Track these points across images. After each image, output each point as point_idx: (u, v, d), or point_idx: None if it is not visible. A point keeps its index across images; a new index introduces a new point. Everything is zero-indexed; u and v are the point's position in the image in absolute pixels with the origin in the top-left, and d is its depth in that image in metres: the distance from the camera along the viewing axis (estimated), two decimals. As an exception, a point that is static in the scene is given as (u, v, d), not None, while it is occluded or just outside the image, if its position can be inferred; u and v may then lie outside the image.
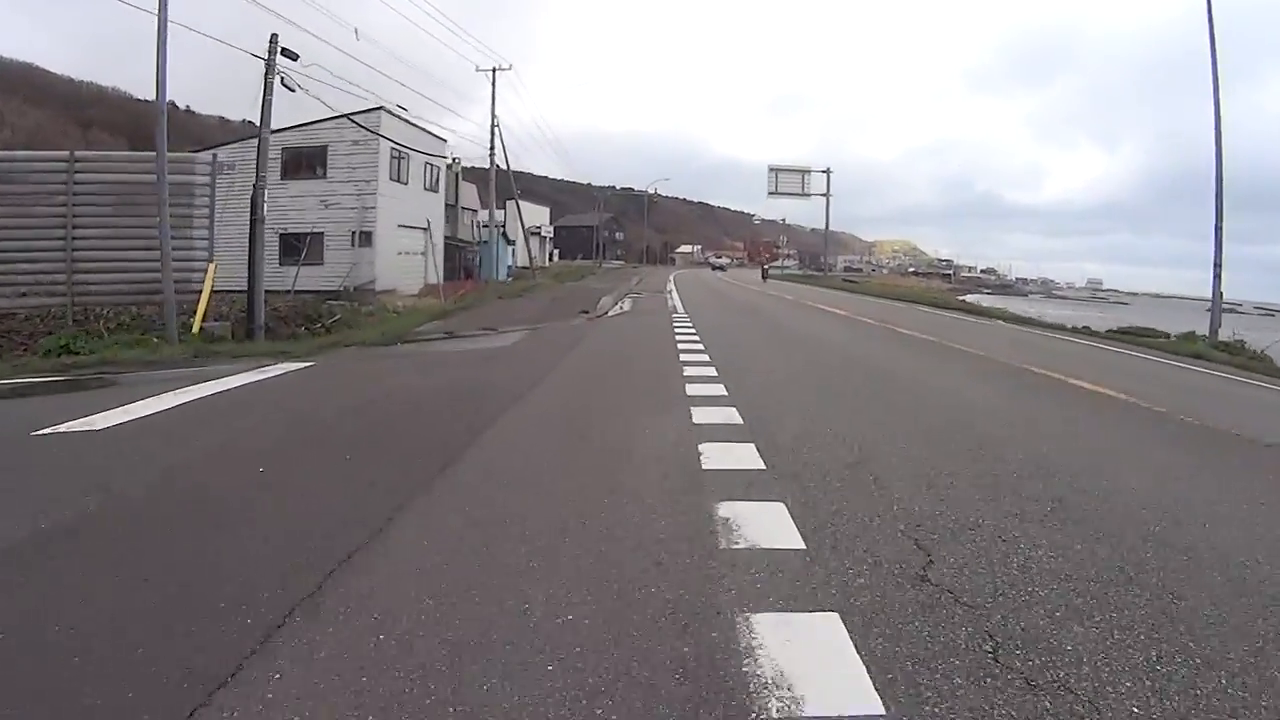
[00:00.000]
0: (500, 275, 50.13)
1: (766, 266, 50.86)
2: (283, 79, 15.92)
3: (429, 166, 29.59)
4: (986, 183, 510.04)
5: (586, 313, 14.45)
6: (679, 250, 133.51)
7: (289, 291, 24.79)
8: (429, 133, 29.02)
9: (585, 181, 68.39)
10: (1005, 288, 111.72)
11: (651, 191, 63.69)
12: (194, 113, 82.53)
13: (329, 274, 25.83)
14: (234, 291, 26.29)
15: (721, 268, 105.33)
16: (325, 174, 26.21)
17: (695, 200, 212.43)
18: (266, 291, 25.78)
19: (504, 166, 33.90)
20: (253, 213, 16.29)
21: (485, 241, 51.85)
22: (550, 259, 68.26)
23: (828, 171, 44.96)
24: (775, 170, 45.75)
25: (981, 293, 72.57)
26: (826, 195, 44.80)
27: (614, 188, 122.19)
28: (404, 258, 27.33)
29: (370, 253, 25.35)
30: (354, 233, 25.65)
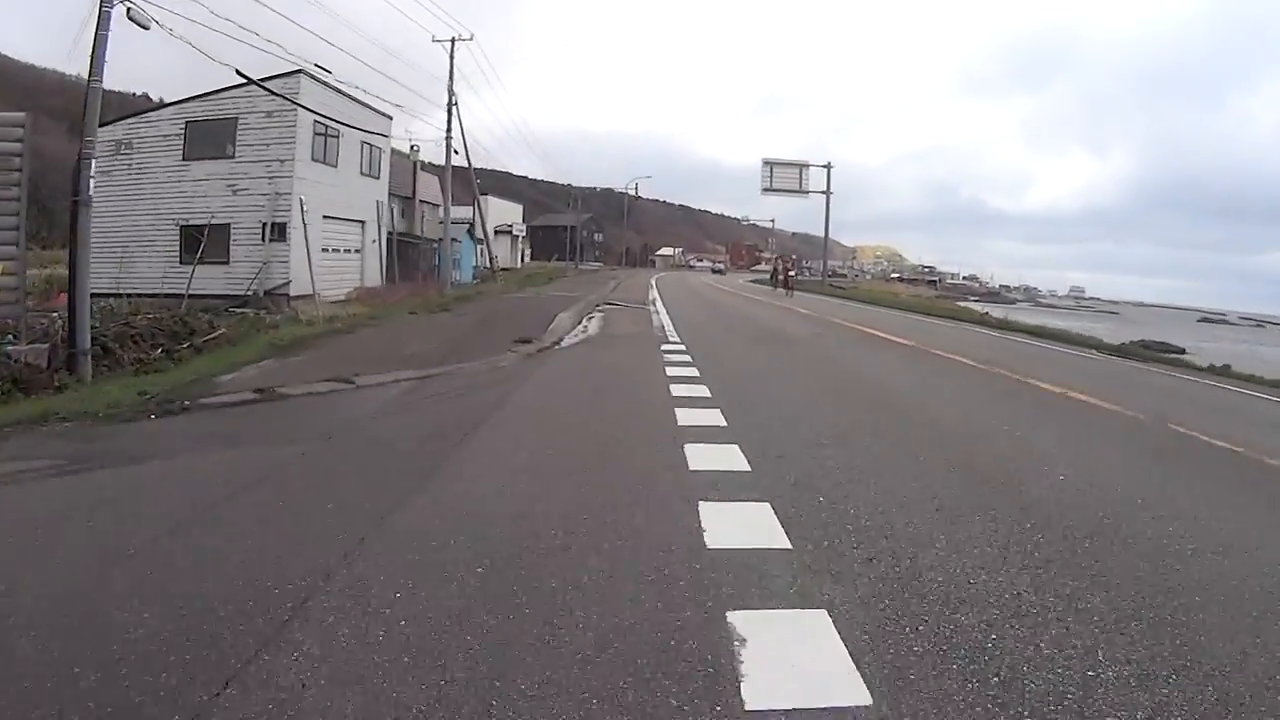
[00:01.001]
0: (465, 276, 45.54)
1: (791, 273, 32.63)
2: (129, 11, 11.38)
3: (368, 148, 24.87)
4: (971, 188, 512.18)
5: (528, 342, 9.46)
6: (659, 253, 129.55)
7: (183, 297, 20.06)
8: (368, 106, 24.30)
9: (565, 181, 64.34)
10: (992, 295, 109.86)
11: (631, 190, 59.26)
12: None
13: (236, 275, 21.07)
14: (111, 296, 21.35)
15: (720, 271, 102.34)
16: (234, 152, 21.44)
17: (677, 203, 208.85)
18: (164, 295, 21.02)
19: (463, 153, 29.29)
20: (74, 192, 11.56)
21: (454, 239, 47.22)
22: (522, 259, 63.52)
23: (828, 167, 40.79)
24: (770, 164, 41.45)
25: (969, 300, 70.60)
26: (827, 192, 40.62)
27: (593, 188, 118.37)
28: (333, 256, 22.64)
29: (284, 249, 20.62)
30: (265, 224, 20.91)
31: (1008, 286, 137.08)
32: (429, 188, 39.03)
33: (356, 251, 24.59)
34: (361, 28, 24.37)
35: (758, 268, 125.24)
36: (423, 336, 9.64)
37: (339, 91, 22.58)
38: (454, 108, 28.69)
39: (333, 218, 22.59)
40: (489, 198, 60.43)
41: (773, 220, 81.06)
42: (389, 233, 29.40)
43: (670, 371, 7.73)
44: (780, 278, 34.17)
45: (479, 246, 54.44)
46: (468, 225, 49.33)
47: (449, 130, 28.49)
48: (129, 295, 22.59)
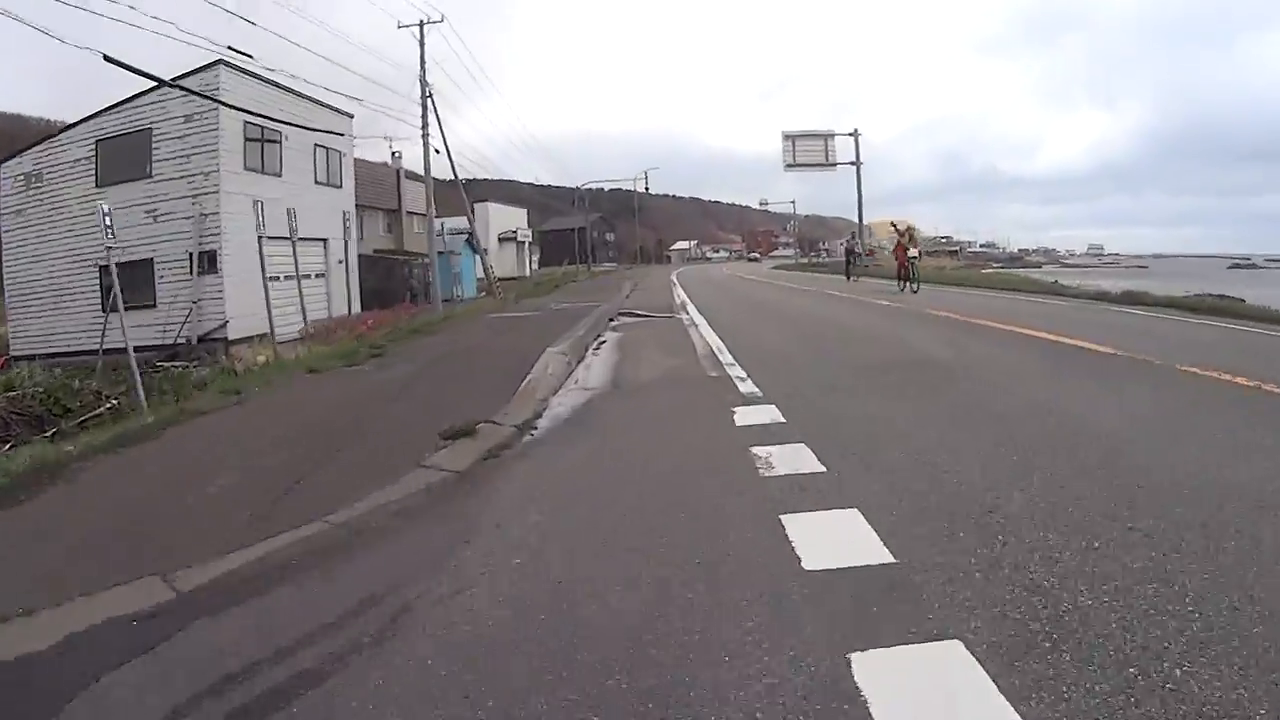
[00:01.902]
0: (468, 290, 41.54)
1: (913, 253, 19.03)
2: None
3: (324, 153, 20.83)
4: (984, 155, 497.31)
5: (471, 433, 4.66)
6: (674, 247, 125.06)
7: (95, 353, 16.16)
8: (319, 103, 20.25)
9: (572, 184, 60.37)
10: (1014, 260, 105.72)
11: (640, 185, 54.67)
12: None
13: (163, 320, 17.11)
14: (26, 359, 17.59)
15: (756, 258, 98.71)
16: (151, 171, 17.48)
17: (687, 196, 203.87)
18: (73, 355, 17.20)
19: (444, 153, 25.13)
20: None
21: (449, 252, 43.27)
22: (530, 267, 59.39)
23: (855, 134, 35.86)
24: (791, 138, 36.68)
25: (993, 267, 67.27)
26: (856, 163, 35.69)
27: (602, 189, 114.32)
28: (284, 286, 18.65)
29: (216, 282, 16.62)
30: (192, 255, 16.90)
31: (1026, 250, 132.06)
32: (418, 198, 35.03)
33: (319, 276, 20.54)
34: (336, 24, 20.28)
35: (775, 254, 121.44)
36: (278, 430, 5.34)
37: (276, 85, 18.54)
38: (429, 100, 24.56)
39: (279, 238, 18.54)
40: (489, 204, 56.38)
41: (794, 202, 75.81)
42: (375, 250, 25.50)
43: (778, 492, 3.33)
44: (901, 262, 18.80)
45: (480, 256, 50.51)
46: (466, 235, 45.41)
47: (424, 126, 24.38)
48: (50, 356, 18.97)
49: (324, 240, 20.49)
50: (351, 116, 22.05)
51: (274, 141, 18.40)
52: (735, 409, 5.10)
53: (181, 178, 17.03)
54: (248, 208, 17.27)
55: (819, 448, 3.97)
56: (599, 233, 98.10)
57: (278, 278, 18.67)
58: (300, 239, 19.40)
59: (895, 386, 5.72)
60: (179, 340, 16.98)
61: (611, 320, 12.11)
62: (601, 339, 9.79)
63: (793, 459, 3.84)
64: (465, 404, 5.45)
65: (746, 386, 5.88)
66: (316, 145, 20.16)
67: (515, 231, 55.66)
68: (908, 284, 17.75)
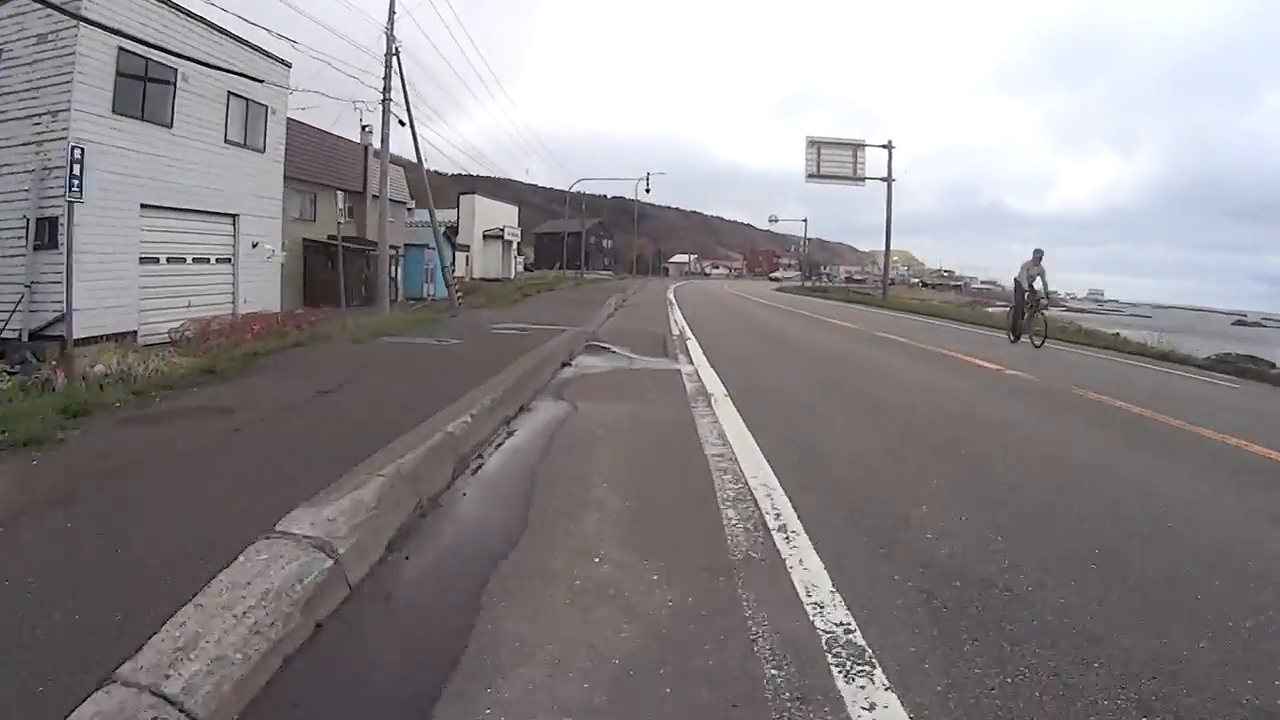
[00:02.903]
0: (440, 290, 37.17)
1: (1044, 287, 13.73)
2: None
3: (244, 105, 16.51)
4: (993, 190, 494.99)
5: None
6: (673, 260, 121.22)
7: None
8: (240, 41, 15.98)
9: (572, 187, 56.04)
10: None
11: (643, 189, 50.40)
12: None
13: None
14: None
15: (788, 279, 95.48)
16: (-8, 105, 13.13)
17: (690, 209, 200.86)
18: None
19: (409, 125, 20.84)
20: None
21: (422, 245, 39.08)
22: (515, 268, 55.00)
23: (889, 146, 31.33)
24: (817, 144, 32.11)
25: (996, 305, 64.94)
26: (889, 179, 31.20)
27: (604, 195, 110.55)
28: (167, 270, 14.29)
29: (57, 261, 12.27)
30: (29, 221, 12.53)
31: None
32: (394, 182, 30.67)
33: (222, 261, 16.16)
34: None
35: (776, 275, 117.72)
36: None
37: (178, 8, 14.25)
38: (396, 58, 20.35)
39: (162, 208, 14.16)
40: (476, 197, 52.02)
41: (805, 220, 71.87)
42: (330, 237, 21.30)
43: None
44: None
45: (464, 254, 46.00)
46: (445, 228, 40.99)
47: (386, 90, 20.13)
48: None
49: (233, 216, 16.14)
50: (289, 65, 17.72)
51: (164, 81, 14.07)
52: None
53: (27, 117, 12.70)
54: (115, 161, 13.00)
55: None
56: (596, 239, 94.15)
57: (157, 260, 14.37)
58: (192, 211, 15.14)
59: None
60: (11, 334, 12.61)
61: (565, 364, 7.69)
62: (511, 427, 4.87)
63: None
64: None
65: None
66: (232, 94, 15.83)
67: (502, 229, 51.25)
68: (1029, 335, 12.66)
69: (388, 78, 20.29)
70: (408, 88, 20.44)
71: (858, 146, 32.40)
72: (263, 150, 16.92)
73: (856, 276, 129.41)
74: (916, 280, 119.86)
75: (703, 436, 4.77)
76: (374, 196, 31.57)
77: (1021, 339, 13.30)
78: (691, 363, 8.45)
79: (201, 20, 14.68)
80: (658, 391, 6.49)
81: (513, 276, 50.90)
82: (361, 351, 7.46)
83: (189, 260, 15.13)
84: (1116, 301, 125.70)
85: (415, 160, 21.84)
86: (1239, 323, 71.60)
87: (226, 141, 15.83)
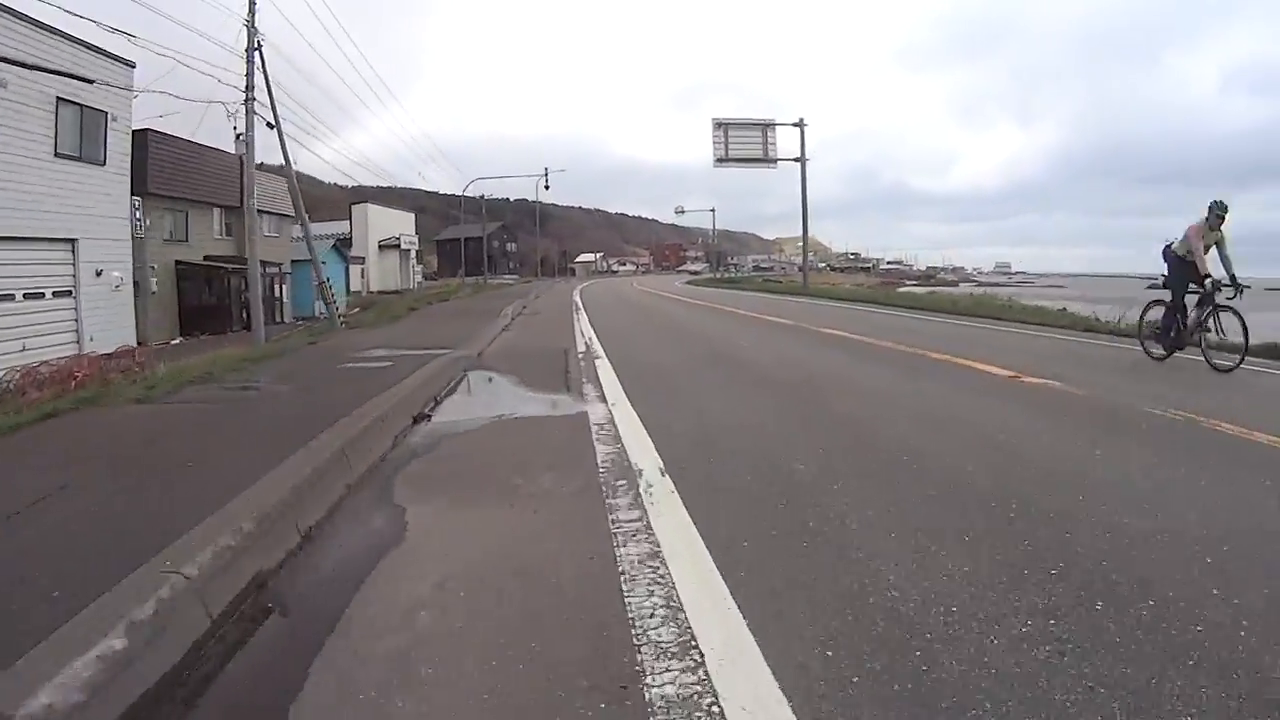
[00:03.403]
0: (340, 306, 34.74)
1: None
2: None
3: (74, 111, 14.32)
4: (895, 171, 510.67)
5: None
6: (579, 260, 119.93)
7: None
8: (66, 37, 13.79)
9: (473, 192, 54.28)
10: (927, 277, 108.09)
11: (542, 187, 49.01)
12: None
13: None
14: None
15: (697, 272, 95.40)
16: None
17: (593, 208, 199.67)
18: None
19: (274, 124, 18.88)
20: None
21: (308, 261, 36.06)
22: (414, 278, 52.46)
23: (801, 124, 30.72)
24: (724, 125, 31.13)
25: (907, 285, 67.99)
26: (802, 159, 30.55)
27: (507, 199, 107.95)
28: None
29: None
30: None
31: (936, 267, 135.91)
32: (276, 194, 28.20)
33: (60, 295, 13.96)
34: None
35: (683, 268, 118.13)
36: None
37: (-22, 2, 12.07)
38: (258, 53, 18.35)
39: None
40: (369, 205, 49.35)
41: (714, 210, 72.29)
42: (206, 258, 19.13)
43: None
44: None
45: (355, 267, 43.21)
46: (334, 239, 38.43)
47: (249, 86, 18.14)
48: None
49: (71, 242, 13.96)
50: (132, 65, 15.55)
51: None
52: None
53: None
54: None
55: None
56: (499, 243, 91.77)
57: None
58: (19, 239, 12.98)
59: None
60: None
61: (422, 417, 5.52)
62: (245, 609, 2.36)
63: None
64: None
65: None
66: (62, 100, 13.66)
67: (399, 238, 48.78)
68: (1202, 349, 7.60)
69: (250, 75, 18.31)
70: (272, 87, 18.50)
71: (767, 126, 31.82)
72: (102, 163, 14.77)
73: (763, 265, 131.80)
74: (824, 265, 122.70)
75: (640, 623, 2.24)
76: (261, 211, 29.01)
77: (1175, 352, 8.04)
78: (604, 398, 6.14)
79: (12, 12, 12.53)
80: (553, 472, 3.98)
81: (413, 287, 48.51)
82: (125, 423, 5.23)
83: (18, 296, 12.93)
84: (1025, 273, 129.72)
85: (285, 164, 19.74)
86: (1152, 286, 76.95)
87: (58, 155, 13.66)
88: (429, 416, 5.64)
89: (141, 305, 21.30)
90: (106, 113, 14.79)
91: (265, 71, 18.87)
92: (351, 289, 40.06)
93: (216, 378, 7.11)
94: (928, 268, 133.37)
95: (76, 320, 14.14)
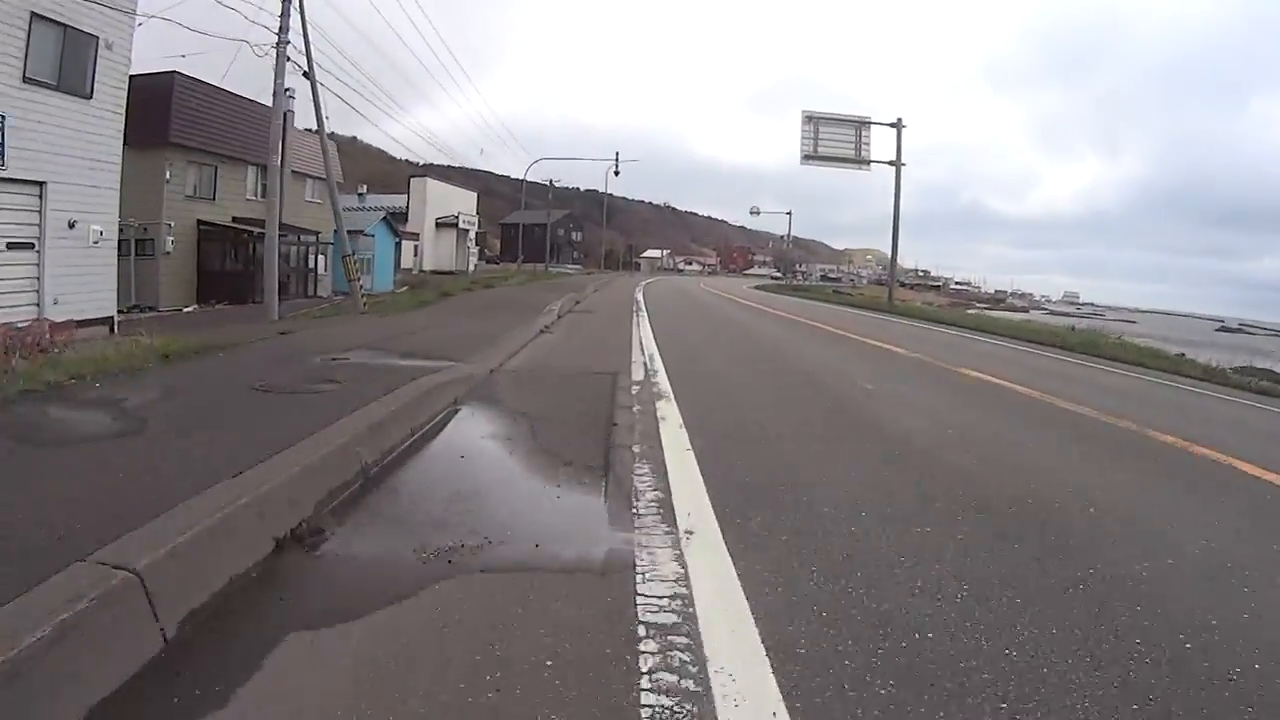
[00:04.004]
0: (382, 284, 32.76)
1: None
2: None
3: (57, 32, 12.12)
4: (973, 190, 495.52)
5: None
6: (644, 255, 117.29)
7: None
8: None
9: (544, 178, 52.39)
10: (997, 301, 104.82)
11: (612, 174, 46.22)
12: None
13: None
14: None
15: (773, 276, 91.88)
16: None
17: (663, 203, 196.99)
18: None
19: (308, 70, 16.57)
20: None
21: (356, 231, 33.70)
22: (470, 260, 50.41)
23: (898, 125, 27.12)
24: (815, 120, 27.82)
25: (977, 307, 66.43)
26: (897, 164, 26.72)
27: (577, 188, 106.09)
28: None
29: None
30: None
31: (1004, 292, 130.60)
32: (314, 155, 26.17)
33: (19, 247, 11.78)
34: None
35: (750, 271, 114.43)
36: None
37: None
38: (296, -5, 16.09)
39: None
40: (428, 180, 47.37)
41: (789, 212, 68.21)
42: (235, 219, 17.05)
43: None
44: None
45: (408, 244, 41.24)
46: (384, 214, 36.40)
47: (283, 28, 15.91)
48: None
49: (39, 185, 11.76)
50: (134, -9, 13.32)
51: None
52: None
53: None
54: None
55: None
56: (564, 231, 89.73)
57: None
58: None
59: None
60: None
61: (305, 532, 2.58)
62: None
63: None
64: None
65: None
66: (36, 16, 11.45)
67: (457, 216, 46.70)
68: None
69: (285, 14, 16.05)
70: (309, 31, 16.19)
71: (861, 124, 28.13)
72: (88, 96, 12.51)
73: (831, 275, 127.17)
74: (896, 281, 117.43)
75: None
76: (297, 173, 27.06)
77: None
78: (671, 518, 3.05)
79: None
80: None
81: (470, 269, 46.45)
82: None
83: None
84: (1094, 305, 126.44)
85: (316, 119, 17.43)
86: (1222, 329, 70.46)
87: (26, 80, 11.44)
88: (283, 585, 2.34)
89: (152, 266, 19.42)
90: (98, 37, 12.55)
91: (303, 14, 16.63)
92: (402, 266, 38.08)
93: (93, 382, 4.56)
94: (996, 291, 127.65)
95: (39, 279, 11.97)
